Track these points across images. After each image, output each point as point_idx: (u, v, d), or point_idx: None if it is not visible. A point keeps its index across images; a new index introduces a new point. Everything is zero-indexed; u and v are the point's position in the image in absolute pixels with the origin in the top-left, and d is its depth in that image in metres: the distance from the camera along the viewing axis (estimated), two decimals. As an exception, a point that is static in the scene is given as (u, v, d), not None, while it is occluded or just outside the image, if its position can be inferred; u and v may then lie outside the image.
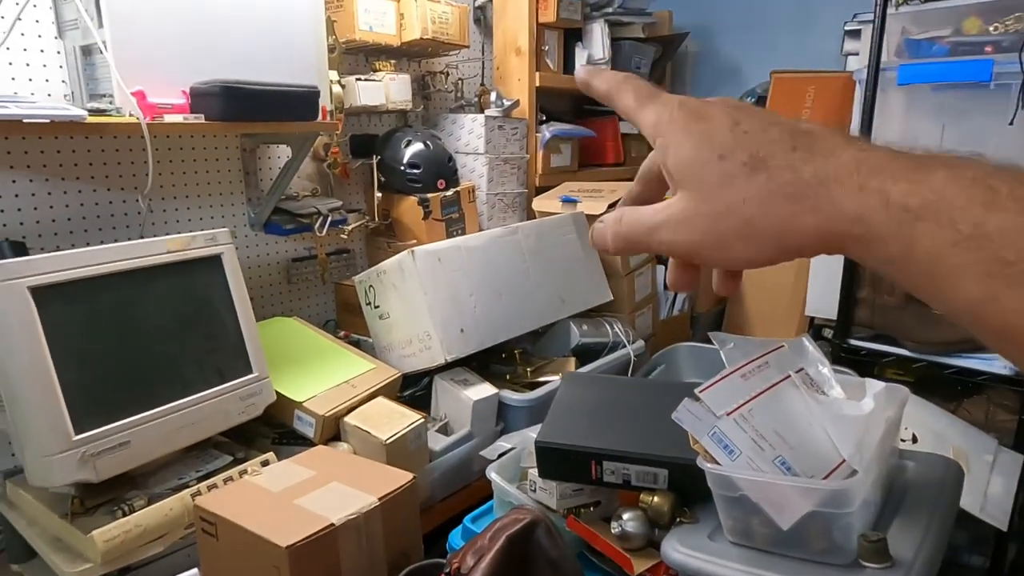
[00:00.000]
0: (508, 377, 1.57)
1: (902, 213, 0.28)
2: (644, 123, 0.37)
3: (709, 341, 1.76)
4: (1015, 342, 0.27)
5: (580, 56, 2.17)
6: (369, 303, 1.55)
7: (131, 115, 1.12)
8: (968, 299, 0.27)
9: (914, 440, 1.36)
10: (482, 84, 2.10)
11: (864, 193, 0.29)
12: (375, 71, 1.73)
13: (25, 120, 0.99)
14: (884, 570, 0.70)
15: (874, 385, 0.90)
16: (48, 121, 1.04)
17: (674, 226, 0.35)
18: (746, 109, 0.34)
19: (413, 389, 1.50)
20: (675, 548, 0.80)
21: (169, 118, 1.16)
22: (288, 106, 1.28)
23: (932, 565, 0.72)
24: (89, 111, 1.08)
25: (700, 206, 0.34)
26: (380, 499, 0.88)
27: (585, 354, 1.66)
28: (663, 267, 2.12)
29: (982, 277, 0.26)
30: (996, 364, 1.46)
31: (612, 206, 1.81)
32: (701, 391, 0.80)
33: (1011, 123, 1.34)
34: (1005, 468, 1.33)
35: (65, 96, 1.28)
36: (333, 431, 1.28)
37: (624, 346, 1.70)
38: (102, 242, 1.36)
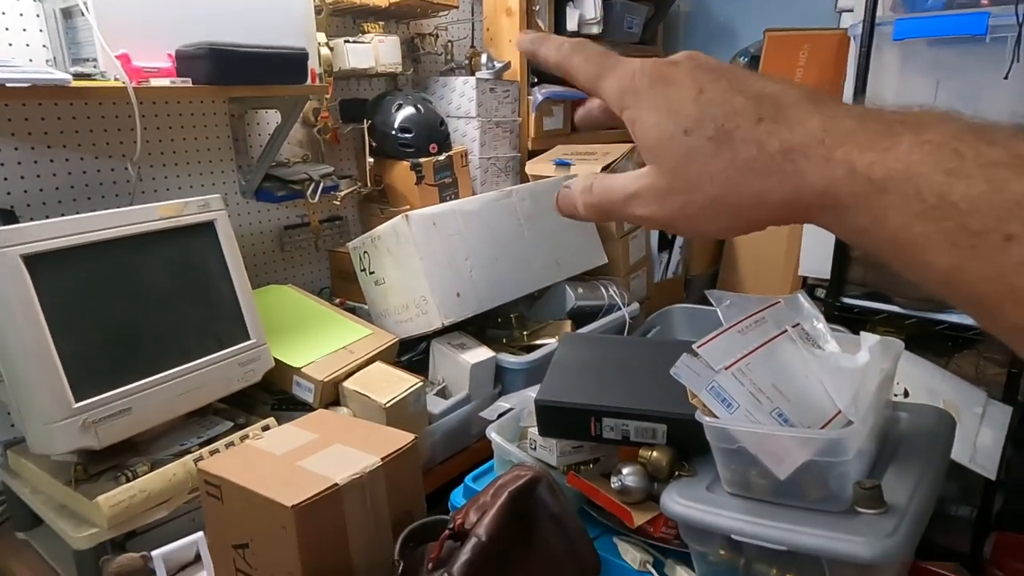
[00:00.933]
0: (504, 341, 1.58)
1: (868, 185, 0.28)
2: (606, 95, 0.36)
3: (703, 303, 1.77)
4: (987, 310, 0.26)
5: (571, 16, 2.13)
6: (364, 269, 1.54)
7: (116, 79, 1.10)
8: (937, 270, 0.27)
9: (906, 395, 1.38)
10: (472, 46, 2.07)
11: (830, 164, 0.29)
12: (363, 33, 1.69)
13: (8, 84, 0.97)
14: (879, 515, 0.72)
15: (869, 338, 0.90)
16: (29, 85, 1.02)
17: (645, 200, 0.35)
18: (711, 72, 0.33)
19: (410, 354, 1.51)
20: (674, 500, 0.81)
21: (156, 82, 1.13)
22: (277, 69, 1.26)
23: (925, 511, 0.74)
24: (73, 75, 1.06)
25: (669, 182, 0.34)
26: (383, 459, 0.89)
27: (581, 317, 1.67)
28: (655, 230, 2.12)
29: (949, 248, 0.26)
30: (987, 319, 1.47)
31: (606, 168, 1.80)
32: (699, 346, 0.81)
33: (1006, 77, 1.34)
34: (994, 420, 1.36)
35: (47, 61, 1.25)
36: (332, 396, 1.29)
37: (619, 308, 1.70)
38: (91, 211, 1.34)
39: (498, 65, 1.94)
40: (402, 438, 0.95)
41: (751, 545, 0.77)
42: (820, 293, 1.78)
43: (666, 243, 2.17)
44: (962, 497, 1.62)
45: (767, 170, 0.30)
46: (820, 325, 0.95)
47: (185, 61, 1.17)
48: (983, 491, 1.53)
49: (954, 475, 1.55)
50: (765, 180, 0.31)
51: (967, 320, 1.51)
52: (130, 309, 1.05)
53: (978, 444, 1.31)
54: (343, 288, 1.74)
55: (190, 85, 1.15)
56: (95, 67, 1.13)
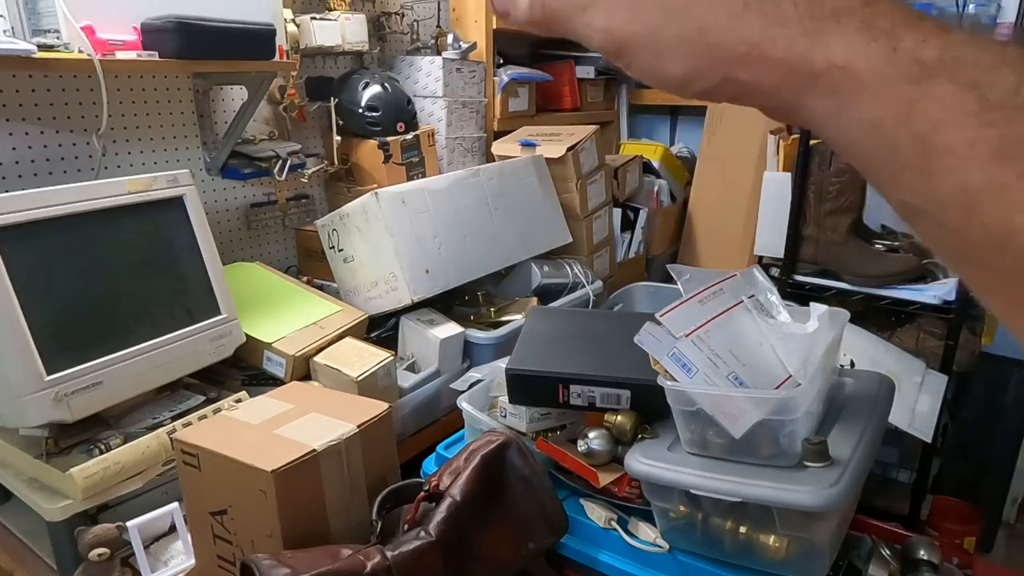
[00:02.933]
0: (472, 318, 1.61)
1: (912, 67, 0.22)
2: None
3: (664, 281, 1.82)
4: (1008, 247, 0.21)
5: (536, -2, 2.15)
6: (333, 247, 1.55)
7: (81, 51, 1.09)
8: (964, 186, 0.22)
9: (852, 365, 1.47)
10: (438, 26, 2.07)
11: (867, 33, 0.23)
12: (329, 10, 1.69)
13: (-30, 54, 0.95)
14: (824, 468, 0.78)
15: (818, 308, 0.97)
16: (-10, 57, 1.00)
17: (614, 9, 0.28)
18: None
19: (380, 330, 1.53)
20: (638, 460, 0.86)
21: (121, 55, 1.12)
22: (245, 44, 1.25)
23: (866, 462, 0.81)
24: (37, 46, 1.04)
25: None
26: (359, 427, 0.92)
27: (546, 294, 1.71)
28: (619, 210, 2.17)
29: (992, 161, 0.21)
30: (927, 294, 1.57)
31: (571, 150, 1.84)
32: (661, 315, 0.86)
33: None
34: (931, 388, 1.46)
35: (4, 32, 1.21)
36: (303, 371, 1.31)
37: (583, 286, 1.75)
38: (54, 185, 1.32)
39: (464, 45, 1.96)
40: (377, 407, 0.98)
41: (708, 500, 0.83)
42: (774, 272, 1.86)
43: (628, 223, 2.23)
44: (902, 463, 1.73)
45: (783, 18, 0.25)
46: (773, 297, 1.01)
47: (151, 34, 1.16)
48: (921, 457, 1.63)
49: (895, 442, 1.65)
50: (774, 29, 0.25)
51: (909, 296, 1.61)
52: (100, 283, 1.05)
53: (916, 410, 1.40)
54: (310, 266, 1.75)
55: (157, 59, 1.15)
56: (58, 38, 1.11)
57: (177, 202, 1.15)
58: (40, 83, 1.29)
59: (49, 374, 0.95)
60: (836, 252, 1.69)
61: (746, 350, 0.88)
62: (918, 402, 1.41)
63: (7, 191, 1.27)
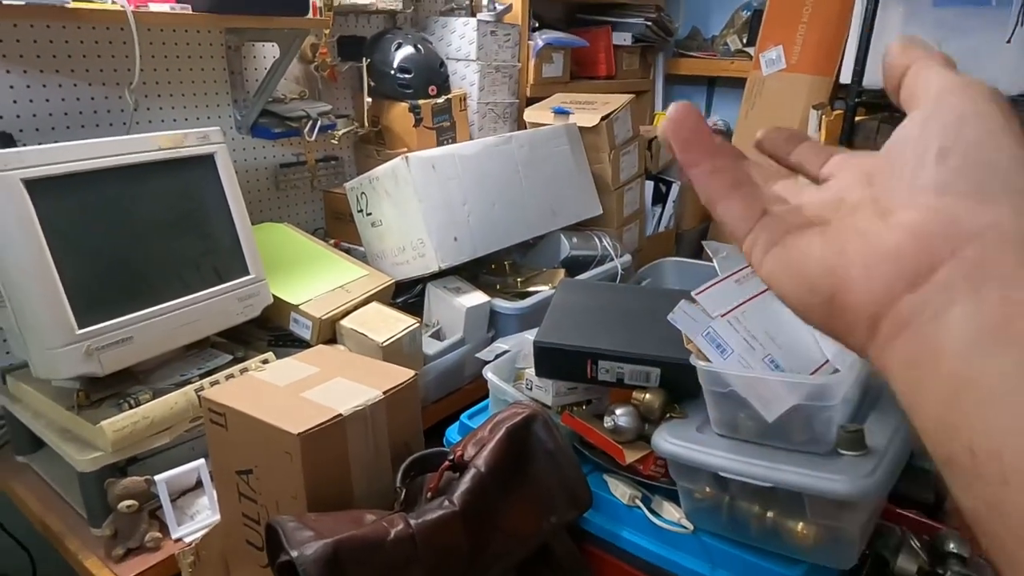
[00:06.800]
0: (498, 287, 1.60)
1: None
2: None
3: (693, 257, 1.79)
4: None
5: (575, -41, 2.08)
6: (361, 210, 1.54)
7: (114, 2, 1.07)
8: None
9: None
10: (473, -14, 2.02)
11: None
12: (364, -33, 1.65)
13: (4, 3, 0.94)
14: (859, 457, 0.76)
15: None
16: (24, 3, 0.99)
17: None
18: None
19: (405, 296, 1.52)
20: (666, 439, 0.85)
21: (155, 7, 1.11)
22: (279, -1, 1.23)
23: (902, 453, 0.78)
24: (70, -4, 1.03)
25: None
26: (384, 393, 0.91)
27: (574, 266, 1.69)
28: (651, 183, 2.13)
29: None
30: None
31: (605, 119, 1.79)
32: (697, 293, 0.83)
33: (1009, 41, 1.34)
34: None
35: (38, -19, 1.20)
36: (329, 334, 1.31)
37: (612, 259, 1.72)
38: (85, 138, 1.32)
39: (500, 8, 1.90)
40: (403, 374, 0.97)
41: (736, 483, 0.81)
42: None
43: (660, 197, 2.19)
44: (927, 452, 1.70)
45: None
46: (812, 279, 0.98)
47: (184, -13, 1.14)
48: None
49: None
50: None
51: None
52: (130, 239, 1.05)
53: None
54: (337, 229, 1.74)
55: (190, 12, 1.13)
56: (91, -11, 1.09)
57: (208, 160, 1.14)
58: (73, 35, 1.28)
59: (80, 328, 0.96)
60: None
61: (783, 333, 0.85)
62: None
63: (40, 143, 1.27)
